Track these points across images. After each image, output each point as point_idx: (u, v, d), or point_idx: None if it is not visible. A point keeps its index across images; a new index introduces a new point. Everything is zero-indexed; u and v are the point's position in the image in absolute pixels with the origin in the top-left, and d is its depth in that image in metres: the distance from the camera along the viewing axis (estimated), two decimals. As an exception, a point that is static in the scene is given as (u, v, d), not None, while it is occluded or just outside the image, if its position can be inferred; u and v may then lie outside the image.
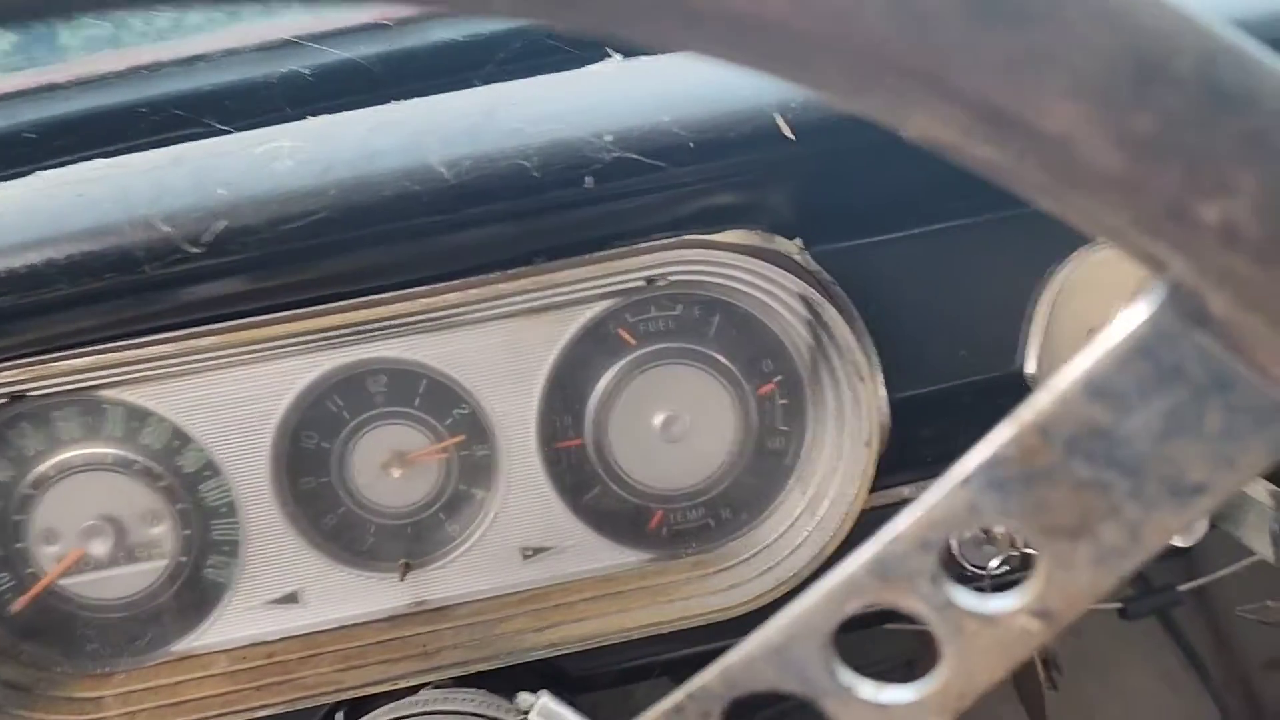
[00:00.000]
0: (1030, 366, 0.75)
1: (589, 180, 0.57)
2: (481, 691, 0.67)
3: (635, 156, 0.57)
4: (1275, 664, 1.49)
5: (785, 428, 0.77)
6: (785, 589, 0.71)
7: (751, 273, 0.68)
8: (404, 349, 0.71)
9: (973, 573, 0.78)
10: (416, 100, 0.63)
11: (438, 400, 0.74)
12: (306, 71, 0.77)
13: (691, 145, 0.58)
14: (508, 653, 0.72)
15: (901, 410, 0.75)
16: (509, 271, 0.65)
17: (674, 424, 0.75)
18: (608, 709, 0.76)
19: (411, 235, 0.58)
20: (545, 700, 0.61)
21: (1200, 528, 0.76)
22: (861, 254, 0.73)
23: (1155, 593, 1.21)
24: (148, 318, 0.63)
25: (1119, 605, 1.18)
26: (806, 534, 0.72)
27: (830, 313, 0.67)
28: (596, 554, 0.76)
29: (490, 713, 0.62)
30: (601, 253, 0.66)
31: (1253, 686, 1.44)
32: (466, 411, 0.74)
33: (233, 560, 0.74)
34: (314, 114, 0.70)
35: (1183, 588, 1.21)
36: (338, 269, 0.60)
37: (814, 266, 0.71)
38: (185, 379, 0.69)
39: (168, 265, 0.55)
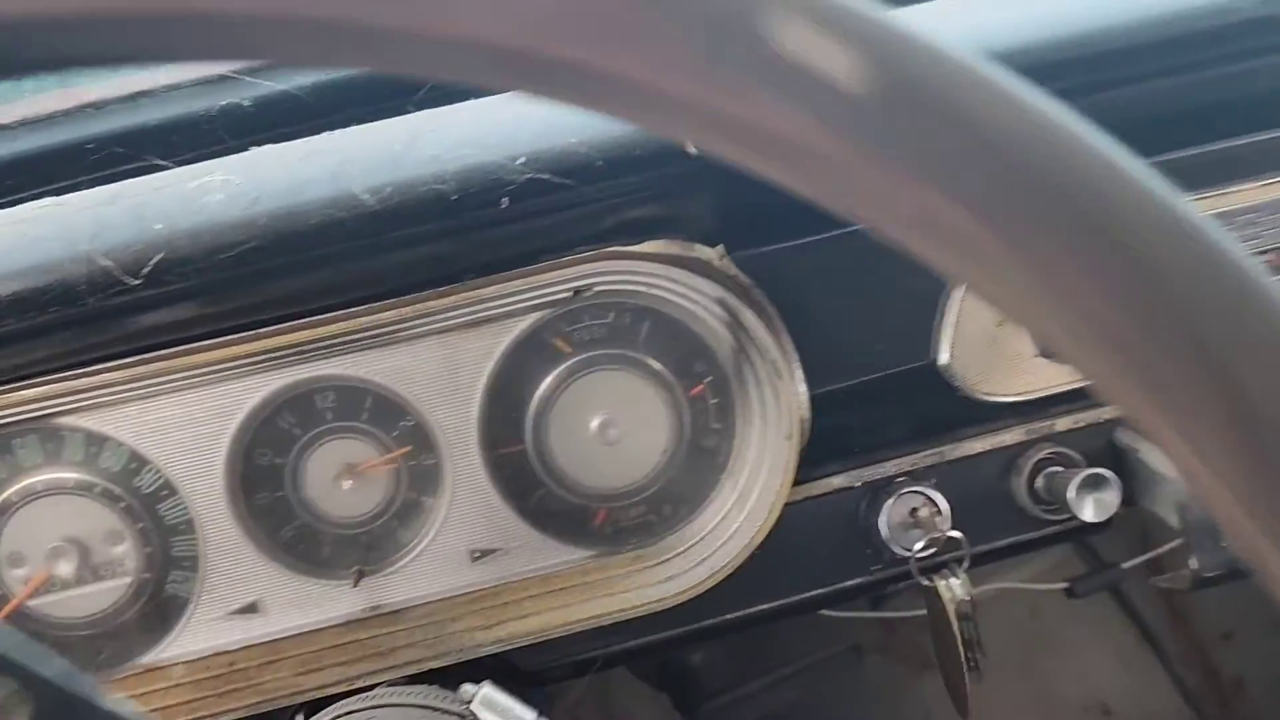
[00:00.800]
0: (944, 357, 0.79)
1: (505, 201, 0.61)
2: (432, 686, 0.70)
3: (547, 177, 0.61)
4: (1230, 635, 1.54)
5: (718, 425, 0.81)
6: (718, 578, 0.75)
7: (673, 280, 0.72)
8: (348, 366, 0.74)
9: (901, 556, 0.83)
10: (344, 130, 0.67)
11: (384, 414, 0.77)
12: (246, 103, 0.81)
13: (599, 164, 0.62)
14: (459, 650, 0.75)
15: (825, 403, 0.79)
16: (440, 289, 0.68)
17: (611, 427, 0.79)
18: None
19: (340, 259, 0.62)
20: (487, 690, 0.65)
21: (1112, 505, 0.80)
22: (781, 257, 0.77)
23: (1101, 570, 1.25)
24: (97, 346, 0.66)
25: (1066, 585, 1.22)
26: (736, 526, 0.76)
27: (748, 315, 0.71)
28: (542, 553, 0.79)
29: (436, 704, 0.65)
30: (528, 267, 0.69)
31: (1209, 658, 1.49)
32: (412, 423, 0.77)
33: (194, 574, 0.77)
34: (256, 144, 0.73)
35: (1127, 565, 1.25)
36: (274, 294, 0.63)
37: (732, 271, 0.75)
38: (138, 403, 0.72)
39: (110, 297, 0.58)
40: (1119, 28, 0.72)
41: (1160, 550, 1.28)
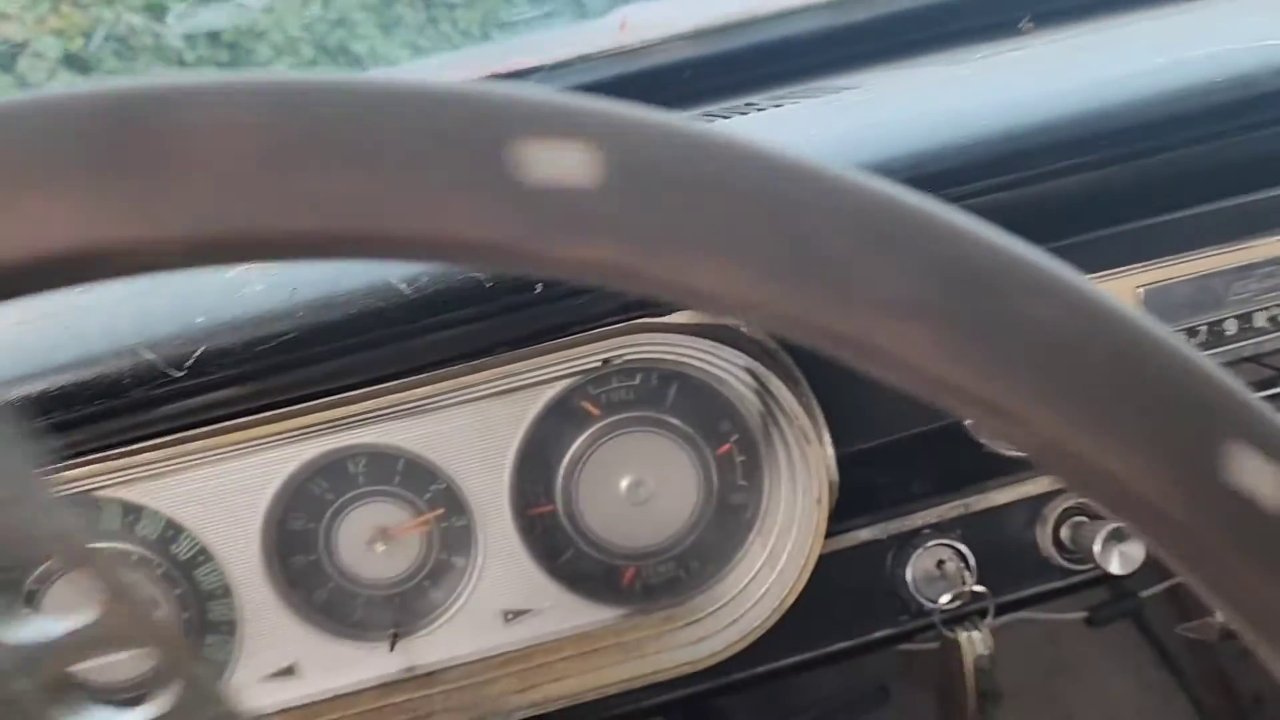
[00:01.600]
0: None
1: (539, 286, 0.62)
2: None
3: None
4: (1249, 654, 1.54)
5: (745, 483, 0.81)
6: (750, 639, 0.76)
7: (699, 349, 0.72)
8: (380, 435, 0.75)
9: (927, 608, 0.83)
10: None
11: (416, 478, 0.78)
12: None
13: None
14: (493, 714, 0.76)
15: (855, 461, 0.80)
16: (473, 363, 0.69)
17: (640, 487, 0.80)
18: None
19: (377, 344, 0.63)
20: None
21: (1138, 558, 0.81)
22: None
23: (1120, 599, 1.25)
24: (139, 426, 0.67)
25: (1085, 614, 1.23)
26: (767, 586, 0.77)
27: (775, 382, 0.72)
28: (573, 613, 0.80)
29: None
30: (558, 340, 0.70)
31: (1228, 677, 1.50)
32: (443, 486, 0.78)
33: (231, 638, 0.79)
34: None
35: (1146, 593, 1.26)
36: (312, 376, 0.64)
37: (759, 336, 0.75)
38: (175, 475, 0.73)
39: (153, 389, 0.59)
40: (1150, 100, 0.73)
41: (1180, 578, 1.29)
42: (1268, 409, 0.25)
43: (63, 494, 0.72)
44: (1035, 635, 1.39)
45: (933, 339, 0.25)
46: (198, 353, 0.59)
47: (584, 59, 0.92)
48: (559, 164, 0.24)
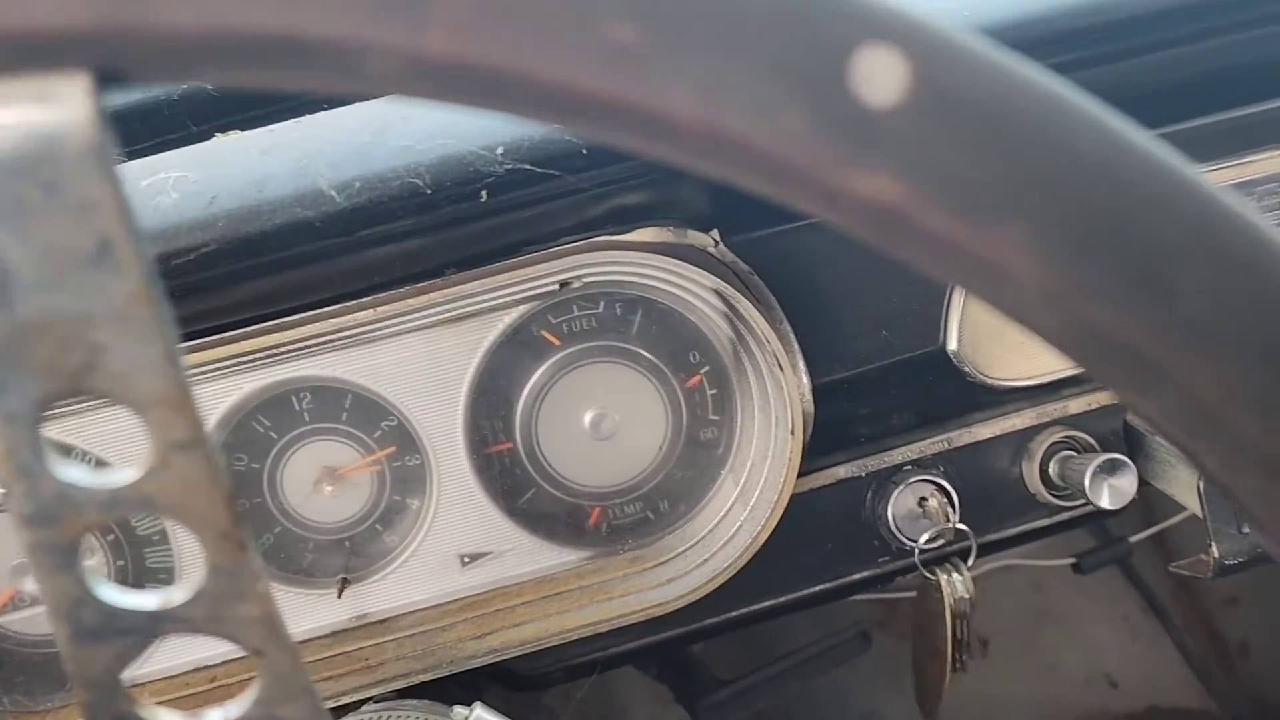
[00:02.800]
0: (953, 343, 0.75)
1: (484, 194, 0.57)
2: (422, 703, 0.67)
3: (528, 167, 0.56)
4: (1235, 600, 1.52)
5: (716, 417, 0.77)
6: (721, 579, 0.72)
7: (665, 270, 0.67)
8: (325, 367, 0.70)
9: (908, 547, 0.79)
10: (310, 118, 0.62)
11: (365, 414, 0.73)
12: (209, 87, 0.76)
13: (583, 151, 0.58)
14: (449, 661, 0.72)
15: (830, 393, 0.76)
16: (418, 285, 0.64)
17: (603, 421, 0.75)
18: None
19: (309, 259, 0.58)
20: (479, 712, 0.61)
21: (1129, 492, 0.77)
22: (779, 241, 0.73)
23: (1108, 545, 1.22)
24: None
25: (1073, 560, 1.20)
26: (739, 524, 0.73)
27: (746, 305, 0.67)
28: (535, 556, 0.76)
29: (426, 727, 0.62)
30: (511, 260, 0.65)
31: (1214, 624, 1.47)
32: (394, 423, 0.74)
33: (169, 584, 0.74)
34: (221, 130, 0.69)
35: (1134, 538, 1.22)
36: (239, 297, 0.59)
37: (729, 258, 0.71)
38: (96, 411, 0.68)
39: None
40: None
41: (1168, 523, 1.26)
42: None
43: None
44: (1021, 583, 1.36)
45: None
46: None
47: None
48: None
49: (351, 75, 0.22)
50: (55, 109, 0.23)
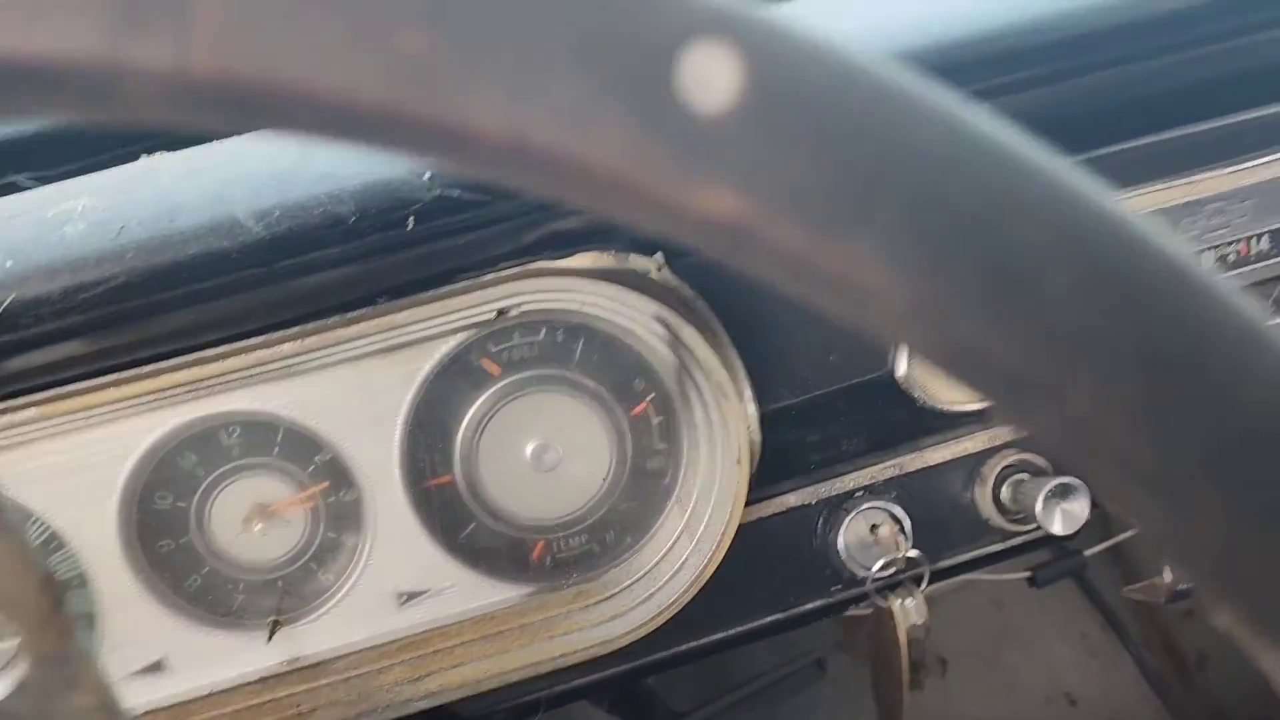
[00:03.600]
0: (901, 369, 0.74)
1: (410, 222, 0.54)
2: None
3: (458, 193, 0.54)
4: (1192, 613, 1.52)
5: (663, 446, 0.75)
6: (666, 615, 0.70)
7: (605, 296, 0.65)
8: (253, 400, 0.67)
9: (860, 575, 0.78)
10: (229, 141, 0.59)
11: (297, 448, 0.70)
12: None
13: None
14: (386, 706, 0.69)
15: (779, 419, 0.74)
16: (348, 316, 0.62)
17: (547, 452, 0.73)
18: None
19: (227, 292, 0.55)
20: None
21: (1082, 515, 0.76)
22: (726, 266, 0.71)
23: (1063, 557, 1.21)
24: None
25: (1028, 574, 1.19)
26: (685, 557, 0.71)
27: (689, 332, 0.65)
28: (475, 593, 0.73)
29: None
30: (445, 289, 0.63)
31: (1171, 638, 1.47)
32: (328, 457, 0.71)
33: (90, 632, 0.70)
34: (147, 151, 0.66)
35: (1089, 551, 1.22)
36: (153, 331, 0.56)
37: (673, 283, 0.69)
38: (13, 451, 0.64)
39: (-42, 345, 0.51)
40: (1079, 13, 0.67)
41: (1123, 536, 1.26)
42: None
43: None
44: (980, 601, 1.35)
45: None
46: (6, 302, 0.50)
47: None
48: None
49: (109, 101, 0.19)
50: None
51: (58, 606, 0.23)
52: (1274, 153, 0.76)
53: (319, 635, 0.72)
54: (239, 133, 0.17)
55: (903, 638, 0.82)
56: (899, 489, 0.79)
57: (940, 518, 0.80)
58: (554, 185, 0.21)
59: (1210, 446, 0.21)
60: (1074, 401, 0.21)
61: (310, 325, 0.61)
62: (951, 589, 1.20)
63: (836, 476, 0.78)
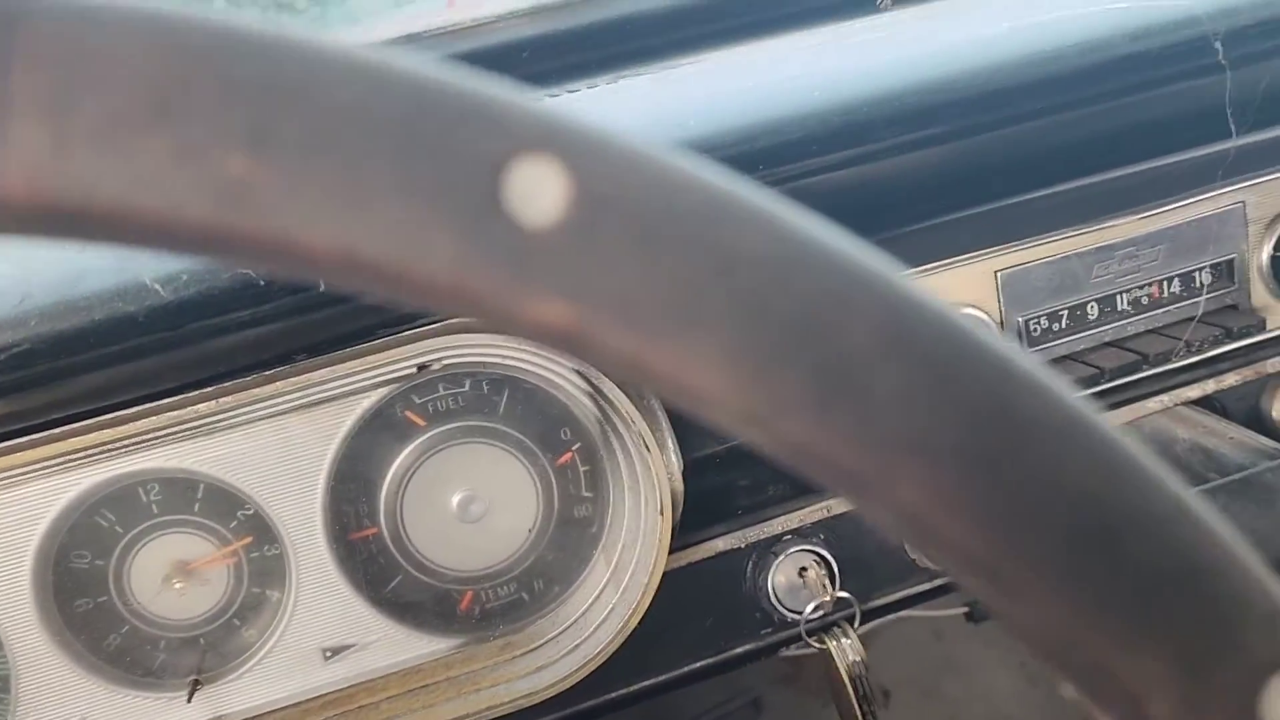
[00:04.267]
0: (823, 414, 0.75)
1: (322, 284, 0.54)
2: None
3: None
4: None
5: (589, 495, 0.75)
6: (592, 666, 0.70)
7: (524, 351, 0.66)
8: (170, 458, 0.67)
9: (790, 618, 0.78)
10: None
11: (218, 505, 0.70)
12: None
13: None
14: (309, 764, 0.68)
15: (705, 466, 0.75)
16: (264, 374, 0.61)
17: (472, 503, 0.73)
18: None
19: (135, 355, 0.54)
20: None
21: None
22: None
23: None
24: None
25: (965, 609, 1.20)
26: (611, 606, 0.71)
27: (609, 385, 0.65)
28: (402, 646, 0.73)
29: None
30: (364, 345, 0.63)
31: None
32: (251, 512, 0.70)
33: (5, 696, 0.69)
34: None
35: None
36: (61, 395, 0.56)
37: (594, 335, 0.69)
38: None
39: None
40: (998, 67, 0.68)
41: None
42: (546, 113, 0.21)
43: None
44: (920, 632, 1.36)
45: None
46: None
47: (411, 38, 0.84)
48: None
49: None
50: None
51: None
52: (1183, 199, 0.78)
53: (241, 693, 0.71)
54: (71, 243, 0.17)
55: (845, 676, 0.83)
56: (827, 531, 0.79)
57: (868, 559, 0.80)
58: (396, 295, 0.22)
59: (1030, 536, 0.22)
60: (904, 495, 0.22)
61: (227, 385, 0.61)
62: (890, 622, 1.22)
63: (765, 520, 0.78)
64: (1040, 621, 0.23)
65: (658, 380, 0.22)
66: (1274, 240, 0.82)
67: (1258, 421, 0.88)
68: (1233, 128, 0.69)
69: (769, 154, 0.63)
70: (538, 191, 0.20)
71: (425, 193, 0.20)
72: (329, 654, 0.72)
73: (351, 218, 0.20)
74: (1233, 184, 0.78)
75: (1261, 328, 0.81)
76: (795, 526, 0.79)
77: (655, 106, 0.71)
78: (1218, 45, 0.66)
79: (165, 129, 0.19)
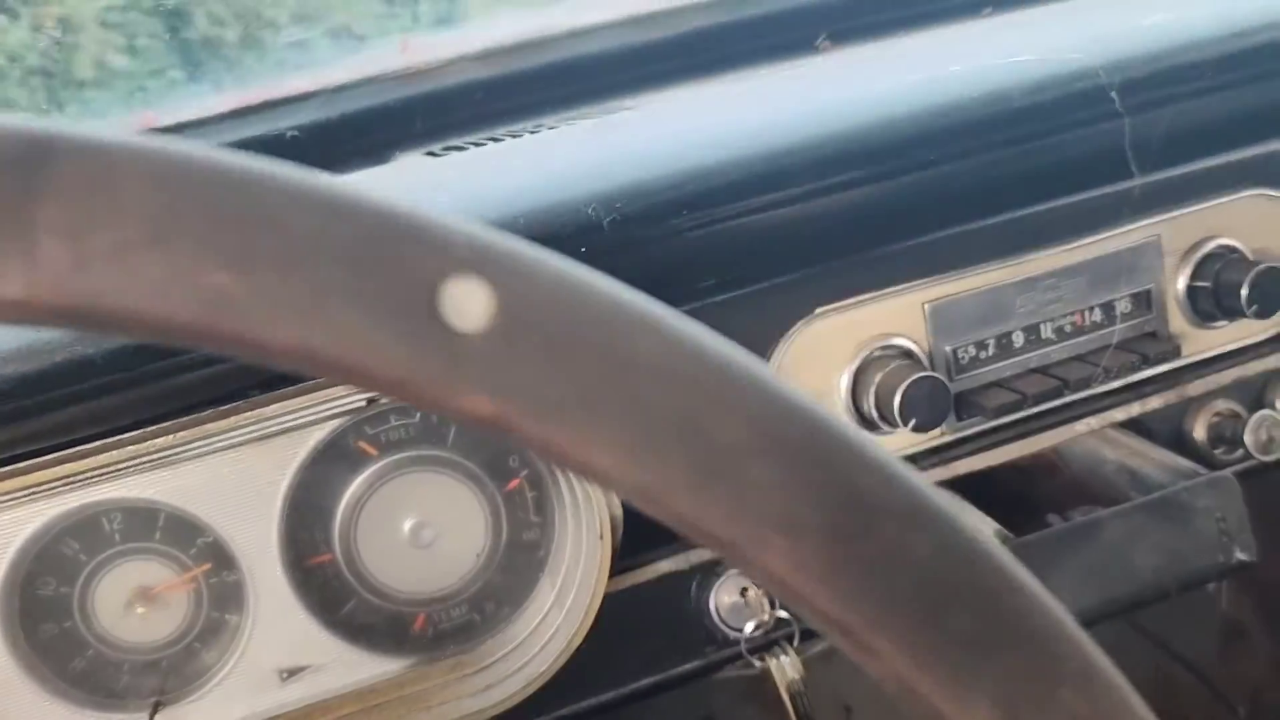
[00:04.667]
0: (758, 441, 0.78)
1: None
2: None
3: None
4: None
5: (537, 519, 0.78)
6: (538, 684, 0.73)
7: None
8: (131, 489, 0.70)
9: (733, 637, 0.82)
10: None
11: (178, 532, 0.73)
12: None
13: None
14: (265, 782, 0.71)
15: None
16: (219, 410, 0.65)
17: (424, 529, 0.76)
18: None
19: (94, 394, 0.58)
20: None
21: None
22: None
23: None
24: None
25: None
26: (556, 627, 0.74)
27: (550, 416, 0.69)
28: (356, 667, 0.76)
29: None
30: (316, 380, 0.66)
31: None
32: (210, 539, 0.73)
33: (-28, 720, 0.72)
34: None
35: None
36: (21, 434, 0.59)
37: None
38: None
39: None
40: (918, 113, 0.73)
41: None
42: (468, 233, 0.25)
43: None
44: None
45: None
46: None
47: (367, 81, 0.88)
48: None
49: None
50: None
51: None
52: (1099, 234, 0.82)
53: (202, 714, 0.74)
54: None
55: (785, 694, 0.86)
56: (767, 552, 0.83)
57: (807, 578, 0.84)
58: (350, 385, 0.26)
59: (876, 602, 0.26)
60: (772, 565, 0.26)
61: (184, 419, 0.64)
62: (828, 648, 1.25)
63: (707, 542, 0.82)
64: (887, 673, 0.27)
65: (567, 462, 0.26)
66: (1190, 271, 0.86)
67: (1181, 443, 0.92)
68: (1134, 168, 0.73)
69: (698, 199, 0.67)
70: (467, 305, 0.24)
71: (375, 304, 0.24)
72: (286, 675, 0.75)
73: (313, 323, 0.24)
74: (1147, 218, 0.83)
75: (1177, 354, 0.85)
76: (737, 548, 0.82)
77: (589, 155, 0.75)
78: (1113, 95, 0.70)
79: (161, 250, 0.23)
